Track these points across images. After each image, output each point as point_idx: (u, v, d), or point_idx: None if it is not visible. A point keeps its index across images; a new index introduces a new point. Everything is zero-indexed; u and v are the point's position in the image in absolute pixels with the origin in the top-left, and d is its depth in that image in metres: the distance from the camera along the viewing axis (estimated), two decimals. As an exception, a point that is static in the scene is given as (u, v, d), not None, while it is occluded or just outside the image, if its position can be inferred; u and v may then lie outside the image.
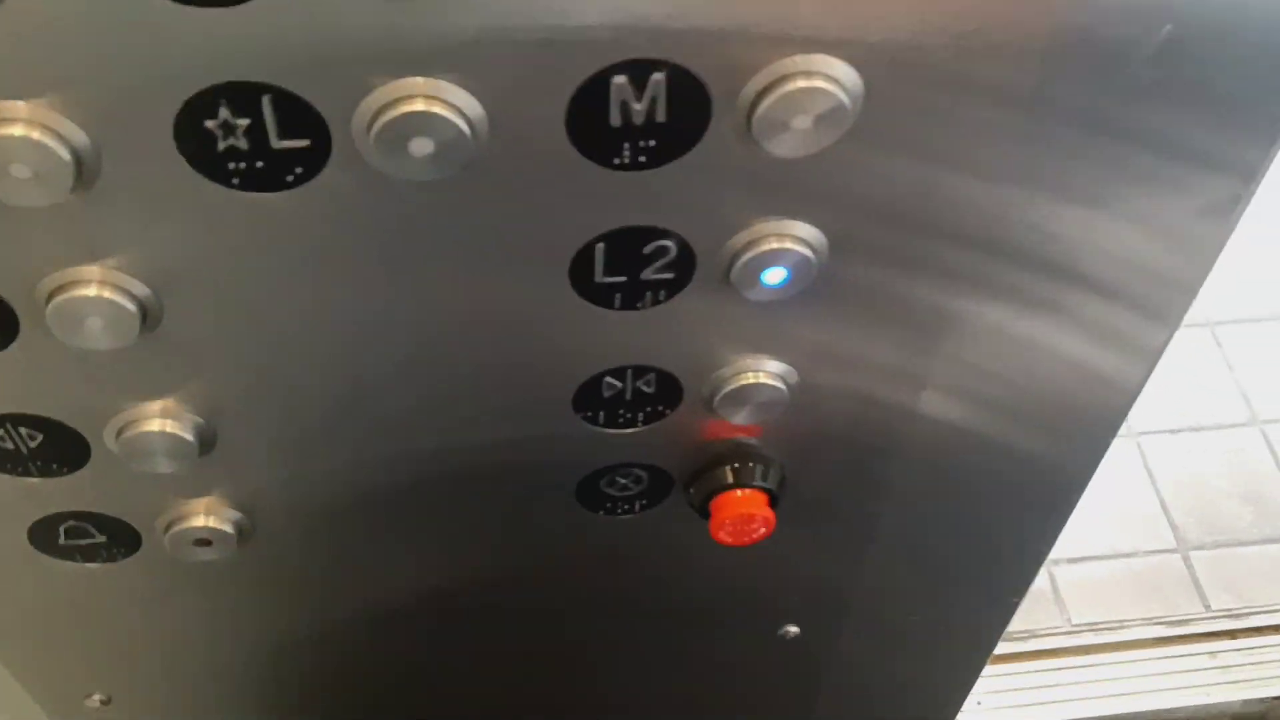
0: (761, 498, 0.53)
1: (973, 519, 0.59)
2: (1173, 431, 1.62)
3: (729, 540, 0.54)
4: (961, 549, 0.61)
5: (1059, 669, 1.44)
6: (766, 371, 0.49)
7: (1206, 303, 1.71)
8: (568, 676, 0.67)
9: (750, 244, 0.43)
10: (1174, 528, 1.56)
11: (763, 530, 0.54)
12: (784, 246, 0.44)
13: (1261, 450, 1.63)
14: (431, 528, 0.55)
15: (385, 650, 0.62)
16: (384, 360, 0.46)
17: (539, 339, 0.46)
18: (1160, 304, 0.51)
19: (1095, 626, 1.47)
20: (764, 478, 0.53)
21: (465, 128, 0.37)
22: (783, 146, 0.40)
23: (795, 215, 0.43)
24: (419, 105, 0.36)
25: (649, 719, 0.71)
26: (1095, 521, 1.53)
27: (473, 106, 0.37)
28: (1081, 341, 0.51)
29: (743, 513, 0.53)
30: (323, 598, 0.58)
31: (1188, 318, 1.76)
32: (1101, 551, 1.52)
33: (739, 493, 0.53)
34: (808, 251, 0.44)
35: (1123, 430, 0.82)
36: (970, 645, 0.69)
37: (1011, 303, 0.49)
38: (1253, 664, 1.46)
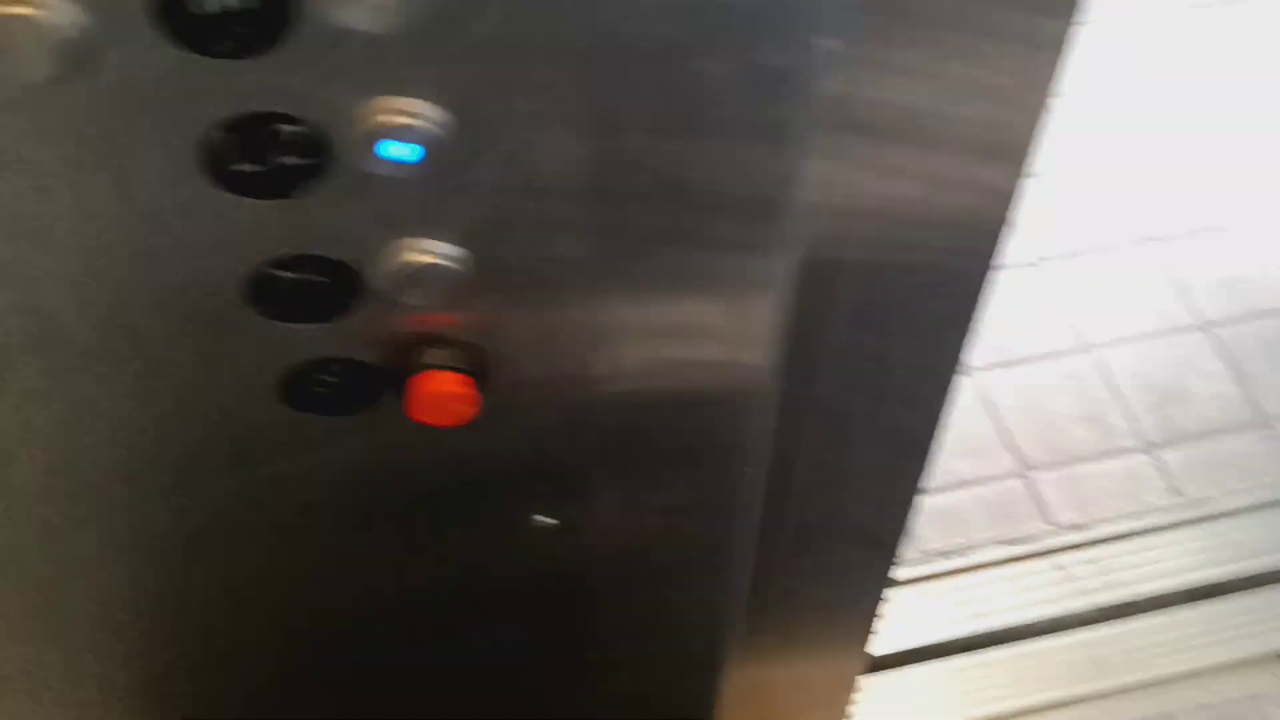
0: (456, 378, 0.57)
1: (668, 406, 0.64)
2: (1009, 365, 1.70)
3: (431, 420, 0.58)
4: (668, 433, 0.66)
5: (914, 597, 1.50)
6: (433, 253, 0.53)
7: (1030, 241, 1.80)
8: (327, 595, 0.70)
9: (369, 121, 0.47)
10: (1018, 453, 1.63)
11: (464, 410, 0.58)
12: (403, 122, 0.48)
13: (1095, 373, 1.71)
14: (154, 449, 0.59)
15: (138, 582, 0.65)
16: (58, 275, 0.50)
17: (194, 236, 0.50)
18: (770, 203, 0.56)
19: (946, 552, 1.53)
20: (459, 359, 0.58)
21: (59, 22, 0.41)
22: (365, 19, 0.44)
23: (410, 92, 0.48)
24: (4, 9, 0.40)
25: (423, 634, 0.75)
26: (942, 455, 1.60)
27: (62, 6, 0.41)
28: (709, 252, 0.57)
29: (438, 392, 0.57)
30: (70, 524, 0.61)
31: (1014, 258, 1.86)
32: (949, 482, 1.59)
33: (435, 374, 0.57)
34: (431, 126, 0.48)
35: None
36: (714, 537, 0.74)
37: (643, 209, 0.54)
38: (1100, 574, 1.54)
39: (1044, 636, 1.49)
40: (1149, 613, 1.51)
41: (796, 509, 1.05)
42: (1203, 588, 1.51)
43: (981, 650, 1.48)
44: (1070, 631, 1.49)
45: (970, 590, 1.52)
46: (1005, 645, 1.48)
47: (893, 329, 0.91)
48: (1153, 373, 1.70)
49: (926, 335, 0.93)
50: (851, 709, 1.32)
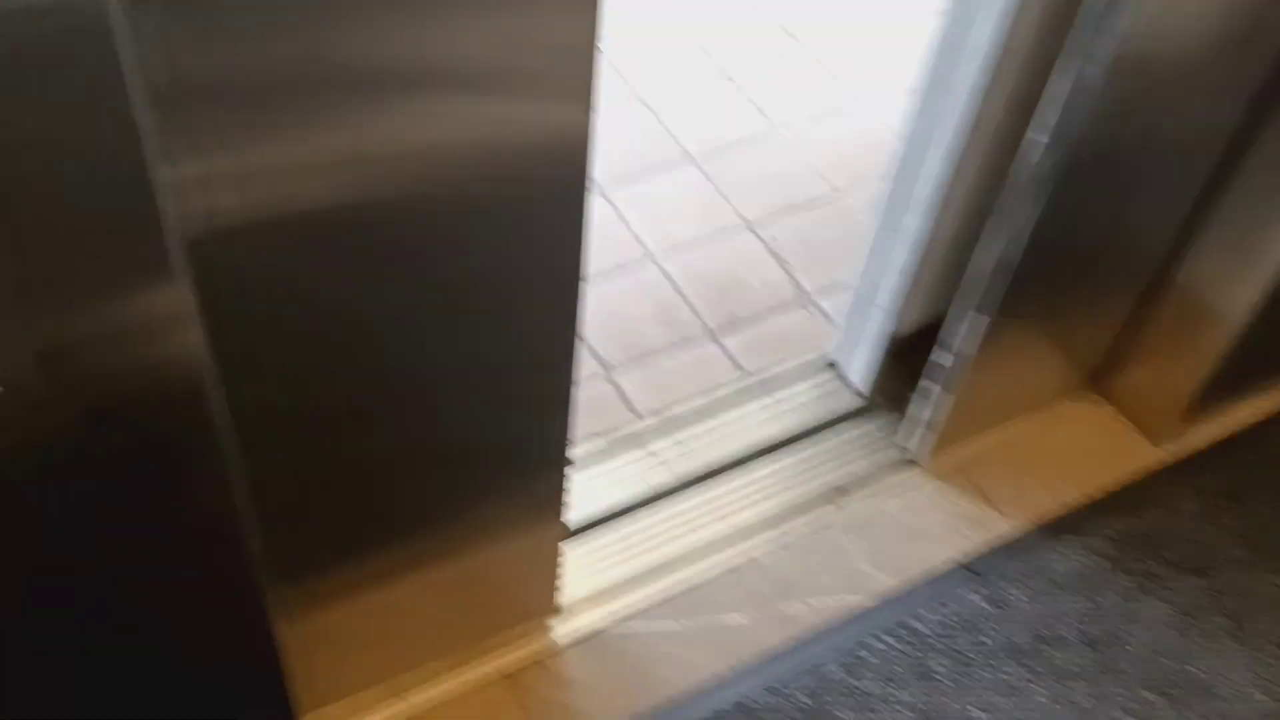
0: None
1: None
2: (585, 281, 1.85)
3: None
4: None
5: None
6: None
7: (597, 170, 1.96)
8: None
9: None
10: (601, 358, 1.78)
11: None
12: None
13: (661, 279, 1.89)
14: None
15: None
16: None
17: None
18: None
19: (544, 454, 1.65)
20: None
21: None
22: None
23: None
24: None
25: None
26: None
27: None
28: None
29: None
30: None
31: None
32: (540, 392, 1.71)
33: None
34: None
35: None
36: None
37: None
38: (680, 449, 1.71)
39: (641, 510, 1.64)
40: (726, 475, 1.69)
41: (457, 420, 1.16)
42: (768, 445, 1.72)
43: (589, 533, 1.61)
44: (662, 503, 1.65)
45: (576, 485, 1.65)
46: (609, 525, 1.62)
47: (497, 252, 1.05)
48: (711, 271, 1.91)
49: (538, 252, 1.08)
50: (560, 571, 1.47)
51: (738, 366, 1.80)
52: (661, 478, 1.68)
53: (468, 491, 1.27)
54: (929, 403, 1.64)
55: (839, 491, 1.69)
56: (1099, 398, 1.83)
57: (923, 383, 1.64)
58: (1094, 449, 1.78)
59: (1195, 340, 1.67)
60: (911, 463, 1.72)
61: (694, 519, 1.66)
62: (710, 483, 1.69)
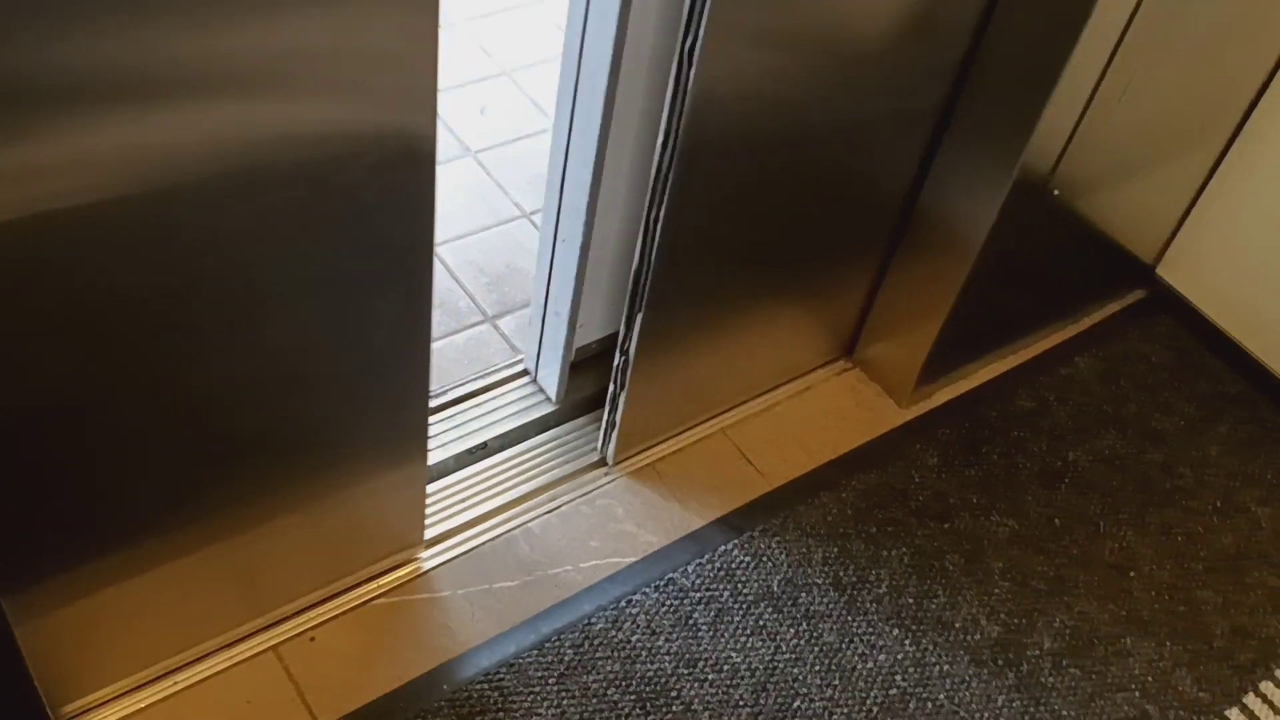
0: None
1: None
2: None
3: None
4: None
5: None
6: None
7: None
8: None
9: None
10: (378, 345, 1.83)
11: None
12: None
13: (440, 268, 1.96)
14: None
15: None
16: None
17: None
18: None
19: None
20: None
21: None
22: None
23: None
24: None
25: None
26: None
27: None
28: None
29: None
30: None
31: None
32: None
33: None
34: None
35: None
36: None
37: None
38: (456, 428, 1.77)
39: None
40: (500, 450, 1.76)
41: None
42: (539, 420, 1.79)
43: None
44: (438, 480, 1.71)
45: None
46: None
47: (362, 220, 1.16)
48: (487, 260, 1.98)
49: (398, 219, 1.19)
50: (426, 510, 1.57)
51: (512, 348, 1.87)
52: (436, 456, 1.74)
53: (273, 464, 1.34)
54: (613, 401, 1.73)
55: (605, 462, 1.78)
56: (852, 366, 1.97)
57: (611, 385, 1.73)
58: (847, 412, 1.91)
59: (927, 308, 1.82)
60: (679, 433, 1.82)
61: (467, 494, 1.72)
62: (484, 459, 1.76)
